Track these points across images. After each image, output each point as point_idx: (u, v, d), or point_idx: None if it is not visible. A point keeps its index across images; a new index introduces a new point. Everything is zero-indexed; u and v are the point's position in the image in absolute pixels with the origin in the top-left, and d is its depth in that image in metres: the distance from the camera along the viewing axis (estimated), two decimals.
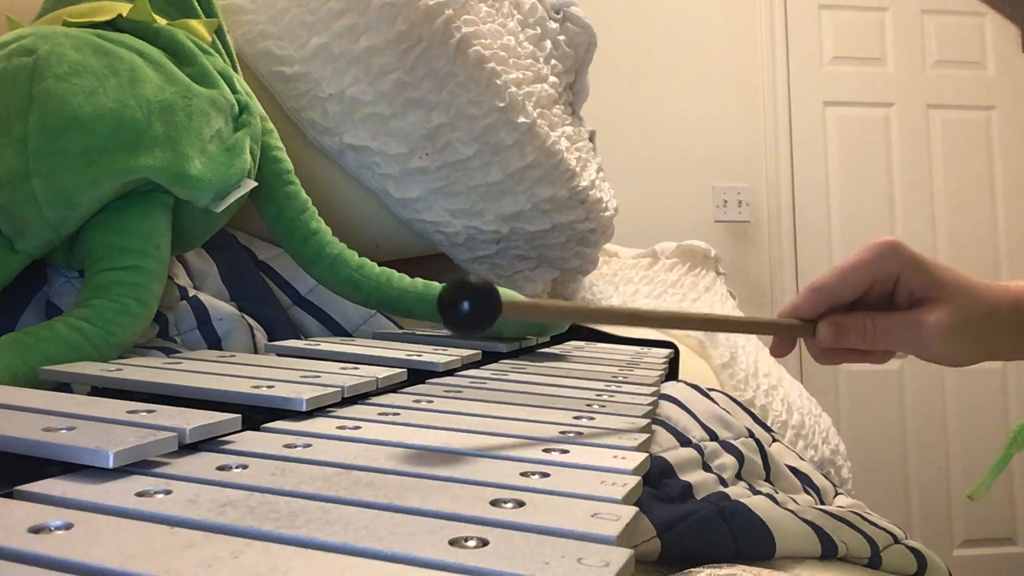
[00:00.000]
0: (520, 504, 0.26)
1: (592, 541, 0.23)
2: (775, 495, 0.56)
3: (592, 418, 0.42)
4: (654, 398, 0.52)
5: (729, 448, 0.58)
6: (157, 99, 0.56)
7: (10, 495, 0.24)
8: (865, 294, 0.53)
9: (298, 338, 0.70)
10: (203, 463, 0.28)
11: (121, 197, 0.56)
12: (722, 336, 1.18)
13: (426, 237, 0.90)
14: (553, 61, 0.97)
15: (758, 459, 0.60)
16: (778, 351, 0.57)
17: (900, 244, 0.52)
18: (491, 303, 0.34)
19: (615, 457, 0.33)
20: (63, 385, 0.45)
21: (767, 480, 0.60)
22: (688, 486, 0.51)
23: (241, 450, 0.31)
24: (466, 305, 0.34)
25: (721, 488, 0.53)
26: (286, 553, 0.20)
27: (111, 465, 0.26)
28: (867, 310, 0.54)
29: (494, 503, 0.26)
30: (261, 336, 0.69)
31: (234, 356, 0.52)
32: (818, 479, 0.65)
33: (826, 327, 0.53)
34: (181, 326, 0.65)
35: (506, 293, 0.37)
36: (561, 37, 0.99)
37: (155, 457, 0.28)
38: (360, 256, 0.68)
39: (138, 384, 0.41)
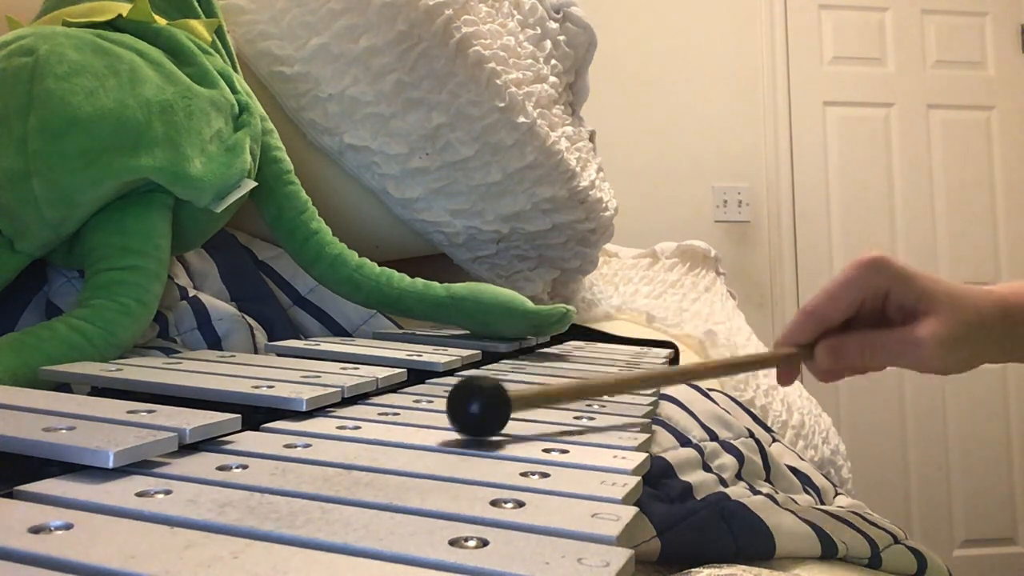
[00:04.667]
0: (520, 504, 0.26)
1: (592, 541, 0.23)
2: (775, 495, 0.56)
3: (592, 418, 0.42)
4: (654, 398, 0.52)
5: (729, 448, 0.58)
6: (157, 99, 0.56)
7: (10, 495, 0.24)
8: (858, 311, 0.53)
9: (298, 338, 0.70)
10: (203, 463, 0.28)
11: (121, 197, 0.56)
12: (722, 336, 1.18)
13: (426, 237, 0.90)
14: (553, 61, 0.97)
15: (758, 459, 0.60)
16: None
17: (885, 259, 0.52)
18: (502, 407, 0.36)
19: (615, 457, 0.33)
20: (63, 385, 0.45)
21: (767, 480, 0.60)
22: (688, 486, 0.51)
23: (241, 450, 0.31)
24: (476, 408, 0.35)
25: (721, 488, 0.53)
26: (286, 553, 0.20)
27: (111, 465, 0.26)
28: (863, 327, 0.53)
29: (494, 503, 0.26)
30: (261, 336, 0.69)
31: (234, 356, 0.52)
32: (818, 479, 0.65)
33: (823, 351, 0.53)
34: (181, 326, 0.65)
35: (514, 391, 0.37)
36: (561, 37, 0.99)
37: (155, 457, 0.28)
38: (360, 256, 0.68)
39: (138, 384, 0.41)
